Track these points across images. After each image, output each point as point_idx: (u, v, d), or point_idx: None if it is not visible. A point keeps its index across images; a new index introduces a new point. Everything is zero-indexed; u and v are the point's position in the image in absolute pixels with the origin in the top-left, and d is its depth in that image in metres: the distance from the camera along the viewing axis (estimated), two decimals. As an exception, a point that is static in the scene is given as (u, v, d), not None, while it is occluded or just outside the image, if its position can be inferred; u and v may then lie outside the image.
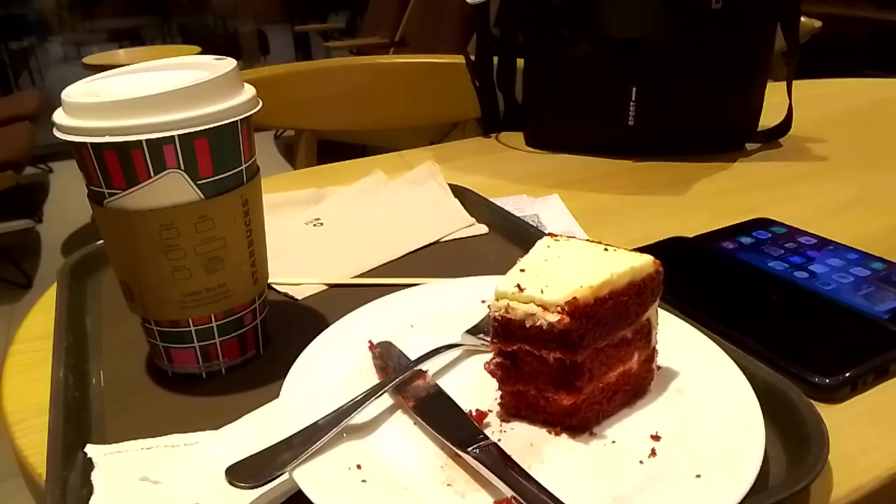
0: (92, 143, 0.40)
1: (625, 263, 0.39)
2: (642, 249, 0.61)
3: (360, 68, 1.19)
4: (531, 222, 0.70)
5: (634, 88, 0.83)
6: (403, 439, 0.40)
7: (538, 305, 0.37)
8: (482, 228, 0.70)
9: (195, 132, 0.41)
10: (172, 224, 0.43)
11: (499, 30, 0.99)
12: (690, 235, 0.66)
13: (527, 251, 0.64)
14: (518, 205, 0.76)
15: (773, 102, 0.90)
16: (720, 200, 0.76)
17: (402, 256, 0.65)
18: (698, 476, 0.35)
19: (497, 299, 0.38)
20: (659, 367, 0.43)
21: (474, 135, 1.20)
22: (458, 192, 0.76)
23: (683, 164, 0.85)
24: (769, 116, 0.91)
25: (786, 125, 0.91)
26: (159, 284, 0.45)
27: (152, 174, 0.41)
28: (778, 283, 0.56)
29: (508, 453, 0.36)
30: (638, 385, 0.42)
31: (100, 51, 4.30)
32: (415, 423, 0.41)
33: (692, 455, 0.37)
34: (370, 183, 0.78)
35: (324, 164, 0.95)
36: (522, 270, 0.40)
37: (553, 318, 0.37)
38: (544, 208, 0.75)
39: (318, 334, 0.49)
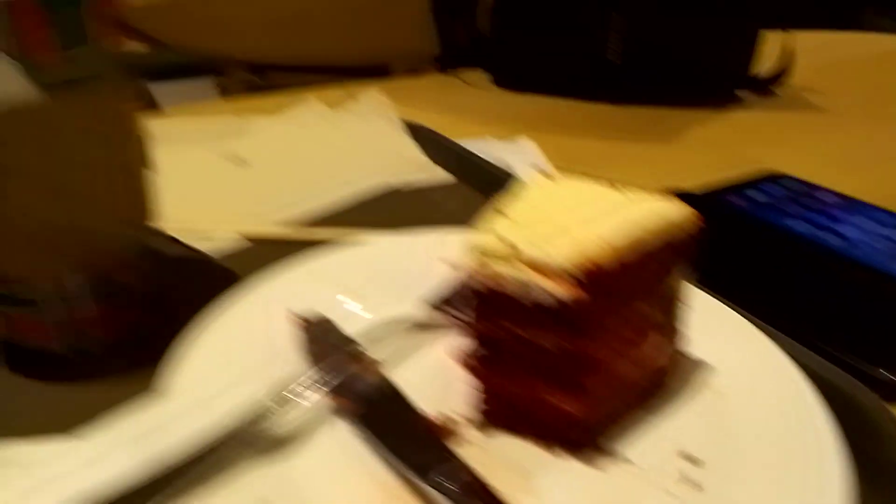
0: None
1: (655, 215, 0.28)
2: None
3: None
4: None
5: (616, 15, 0.71)
6: (337, 461, 0.28)
7: (535, 270, 0.26)
8: (441, 173, 0.58)
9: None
10: (-5, 134, 0.29)
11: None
12: (689, 189, 0.55)
13: (497, 198, 0.54)
14: (481, 148, 0.64)
15: (769, 50, 0.80)
16: (716, 151, 0.65)
17: (343, 205, 0.53)
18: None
19: (477, 260, 0.27)
20: (683, 356, 0.33)
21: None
22: (412, 129, 0.64)
23: (671, 110, 0.74)
24: (765, 64, 0.80)
25: (782, 72, 0.81)
26: (-15, 224, 0.31)
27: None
28: (806, 248, 0.46)
29: (487, 481, 0.25)
30: (657, 380, 0.31)
31: None
32: (357, 437, 0.29)
33: (739, 483, 0.26)
34: (304, 114, 0.65)
35: (248, 95, 0.80)
36: (508, 218, 0.28)
37: (558, 288, 0.25)
38: (514, 152, 0.63)
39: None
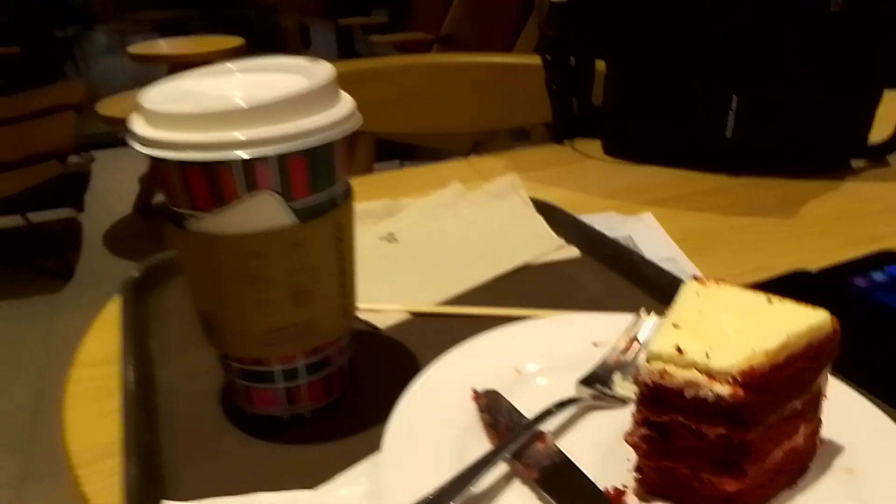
0: (177, 160, 0.35)
1: (800, 322, 0.33)
2: (760, 284, 0.55)
3: (423, 68, 1.13)
4: (625, 244, 0.64)
5: (735, 97, 0.75)
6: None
7: (702, 373, 0.31)
8: (573, 251, 0.63)
9: (293, 150, 0.36)
10: (261, 251, 0.38)
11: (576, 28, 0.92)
12: (810, 267, 0.59)
13: (626, 277, 0.59)
14: (608, 223, 0.70)
15: (882, 114, 0.82)
16: (836, 226, 0.68)
17: (485, 281, 0.59)
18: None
19: (649, 360, 0.32)
20: (822, 441, 0.37)
21: (541, 141, 1.13)
22: (543, 208, 0.70)
23: (788, 181, 0.77)
24: (874, 131, 0.82)
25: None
26: (243, 318, 0.39)
27: (243, 195, 0.36)
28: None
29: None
30: (801, 462, 0.36)
31: (143, 41, 4.34)
32: (539, 499, 0.35)
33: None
34: (446, 195, 0.73)
35: (389, 171, 0.89)
36: (676, 326, 0.33)
37: (723, 389, 0.31)
38: (638, 229, 0.69)
39: (406, 371, 0.44)
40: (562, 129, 0.97)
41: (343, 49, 4.89)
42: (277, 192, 0.36)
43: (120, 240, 2.89)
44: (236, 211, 0.36)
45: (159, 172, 0.37)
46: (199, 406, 0.45)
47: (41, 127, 2.82)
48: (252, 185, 0.36)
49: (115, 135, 3.68)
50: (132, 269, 0.58)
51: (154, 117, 0.36)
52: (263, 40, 4.62)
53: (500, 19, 2.97)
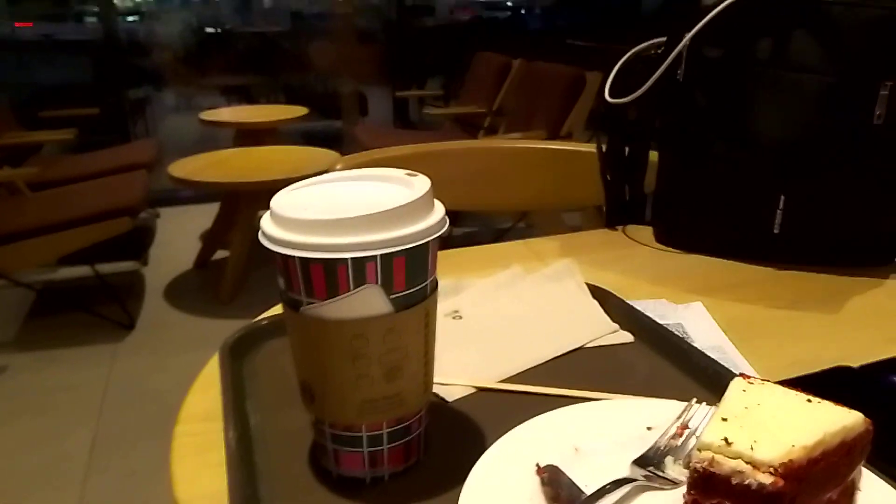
0: (301, 257, 0.42)
1: (836, 422, 0.38)
2: (803, 378, 0.59)
3: (482, 151, 1.22)
4: (675, 331, 0.69)
5: (783, 197, 0.81)
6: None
7: (747, 463, 0.36)
8: (626, 336, 0.69)
9: (396, 251, 0.42)
10: (363, 334, 0.44)
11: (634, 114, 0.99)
12: (852, 362, 0.62)
13: (676, 364, 0.64)
14: (658, 310, 0.75)
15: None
16: (880, 322, 0.72)
17: (542, 361, 0.65)
18: None
19: (700, 450, 0.37)
20: (857, 527, 0.41)
21: (593, 221, 1.20)
22: (598, 293, 0.75)
23: (832, 276, 0.82)
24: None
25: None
26: (342, 390, 0.46)
27: (352, 288, 0.43)
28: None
29: None
30: (837, 547, 0.40)
31: (210, 104, 4.63)
32: (598, 565, 0.40)
33: None
34: (507, 277, 0.79)
35: (453, 249, 0.96)
36: (724, 419, 0.38)
37: (765, 478, 0.35)
38: (688, 317, 0.73)
39: (471, 441, 0.50)
40: (614, 215, 1.03)
41: (399, 118, 5.11)
42: (380, 285, 0.43)
43: (180, 293, 3.03)
44: (345, 300, 0.43)
45: (284, 265, 0.44)
46: (290, 464, 0.51)
47: (115, 184, 3.00)
48: (360, 280, 0.43)
49: (180, 192, 3.90)
50: (230, 336, 0.66)
51: (283, 221, 0.43)
52: (322, 107, 4.86)
53: (552, 96, 3.09)
